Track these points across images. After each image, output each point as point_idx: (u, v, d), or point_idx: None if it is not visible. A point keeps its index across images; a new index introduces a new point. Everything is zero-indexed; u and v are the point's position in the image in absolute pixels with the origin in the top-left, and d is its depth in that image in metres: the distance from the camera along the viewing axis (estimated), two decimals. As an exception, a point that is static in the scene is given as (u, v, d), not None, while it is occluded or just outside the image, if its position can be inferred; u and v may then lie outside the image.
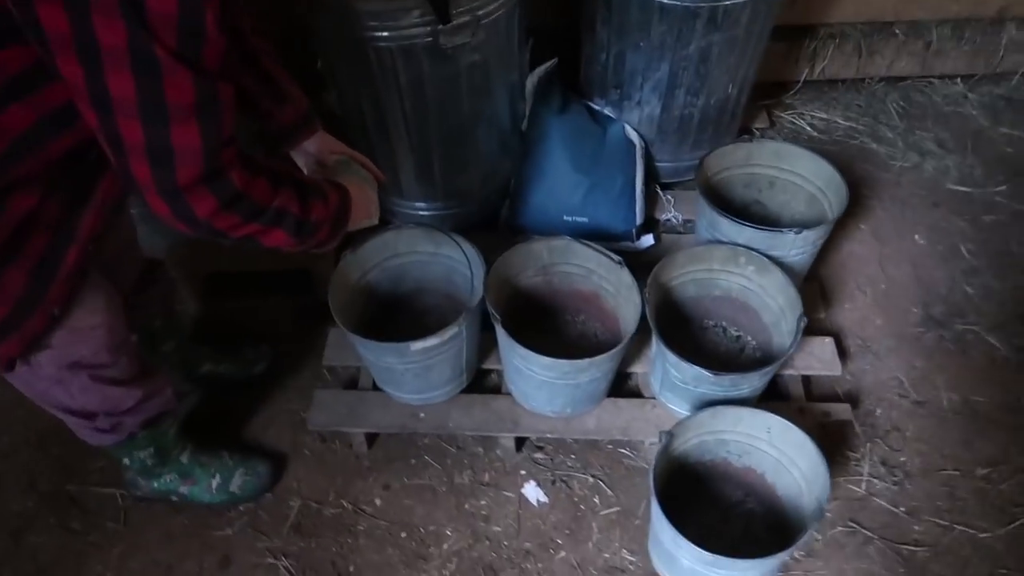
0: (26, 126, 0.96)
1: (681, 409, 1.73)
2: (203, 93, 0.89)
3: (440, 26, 1.63)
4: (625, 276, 1.71)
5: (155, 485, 1.66)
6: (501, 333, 1.61)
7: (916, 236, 2.30)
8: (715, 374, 1.55)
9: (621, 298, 1.77)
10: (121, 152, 0.91)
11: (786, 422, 1.52)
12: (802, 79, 2.69)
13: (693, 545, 1.36)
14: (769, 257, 1.75)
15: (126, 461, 1.60)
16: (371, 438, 1.84)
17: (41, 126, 0.98)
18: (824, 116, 2.67)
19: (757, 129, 2.58)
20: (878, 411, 1.89)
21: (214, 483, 1.69)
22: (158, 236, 1.82)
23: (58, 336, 1.20)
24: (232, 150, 0.98)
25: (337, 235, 1.22)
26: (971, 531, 1.69)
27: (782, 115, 2.66)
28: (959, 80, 2.78)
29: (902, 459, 1.81)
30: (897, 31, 2.61)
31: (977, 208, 2.37)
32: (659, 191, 2.28)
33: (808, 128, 2.63)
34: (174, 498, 1.69)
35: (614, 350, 1.57)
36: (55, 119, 0.98)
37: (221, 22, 0.88)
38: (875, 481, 1.76)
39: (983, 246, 2.26)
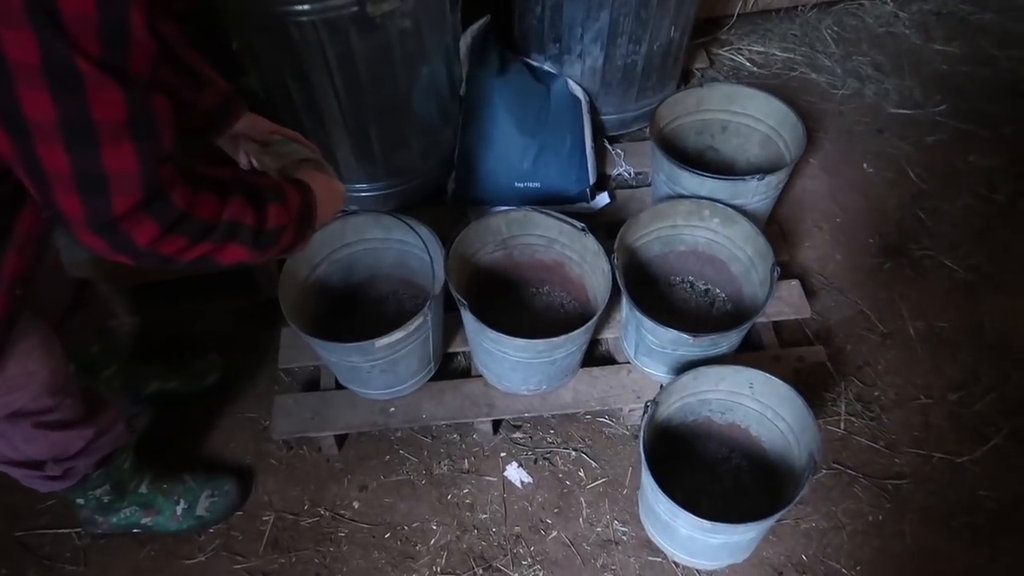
0: None
1: (658, 372, 1.69)
2: (135, 107, 0.77)
3: (365, -7, 1.50)
4: (590, 243, 1.64)
5: (114, 520, 1.55)
6: (469, 318, 1.53)
7: (864, 165, 2.29)
8: (694, 336, 1.50)
9: (587, 265, 1.70)
10: (43, 183, 0.78)
11: (768, 376, 1.49)
12: (736, 13, 2.63)
13: (691, 514, 1.33)
14: (732, 206, 1.70)
15: (80, 501, 1.48)
16: (341, 439, 1.75)
17: None
18: (761, 49, 2.62)
19: (698, 70, 2.52)
20: (848, 347, 1.89)
21: (179, 509, 1.58)
22: (78, 249, 1.65)
23: None
24: (170, 166, 0.85)
25: (305, 237, 1.09)
26: (949, 457, 1.71)
27: (720, 52, 2.60)
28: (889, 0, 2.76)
29: (876, 394, 1.81)
30: (826, -47, 2.56)
31: (920, 130, 2.38)
32: (607, 145, 2.21)
33: (748, 64, 2.57)
34: (137, 531, 1.58)
35: (590, 323, 1.51)
36: None
37: (149, 21, 0.75)
38: (853, 419, 1.77)
39: (929, 168, 2.27)
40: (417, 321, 1.50)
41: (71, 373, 1.25)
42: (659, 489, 1.35)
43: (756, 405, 1.56)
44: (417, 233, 1.63)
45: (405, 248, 1.73)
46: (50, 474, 1.30)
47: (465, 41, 2.02)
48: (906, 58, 2.59)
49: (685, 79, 2.46)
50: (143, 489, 1.54)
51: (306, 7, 1.49)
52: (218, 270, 0.99)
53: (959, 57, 2.60)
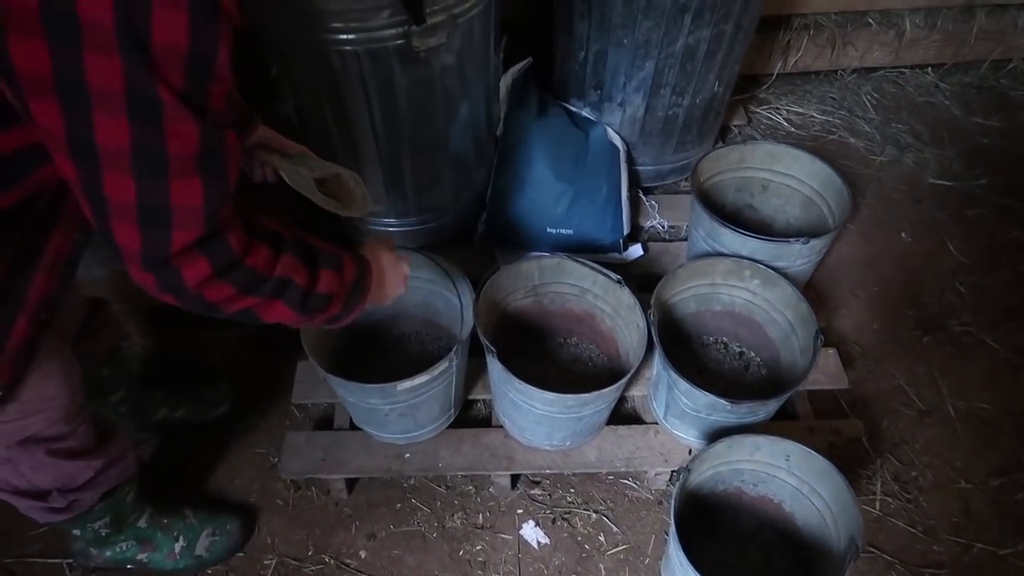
0: None
1: (688, 436, 1.62)
2: (208, 142, 0.74)
3: (413, 27, 1.46)
4: (625, 296, 1.58)
5: (108, 555, 1.46)
6: (496, 366, 1.46)
7: (903, 234, 2.24)
8: (732, 403, 1.43)
9: (620, 319, 1.63)
10: (103, 212, 0.76)
11: (806, 449, 1.42)
12: (776, 72, 2.61)
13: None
14: (773, 268, 1.64)
15: (76, 532, 1.40)
16: (351, 483, 1.67)
17: None
18: (800, 110, 2.59)
19: (735, 126, 2.48)
20: (885, 423, 1.81)
21: (177, 547, 1.49)
22: (95, 265, 1.61)
23: (7, 412, 1.00)
24: (231, 208, 0.82)
25: (352, 311, 1.06)
26: (991, 548, 1.62)
27: (758, 110, 2.57)
28: (930, 70, 2.74)
29: (914, 474, 1.73)
30: (870, 20, 2.55)
31: (960, 202, 2.32)
32: (642, 196, 2.16)
33: (785, 123, 2.54)
34: (131, 567, 1.49)
35: (623, 380, 1.44)
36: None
37: (230, 59, 0.73)
38: (889, 500, 1.68)
39: (969, 242, 2.21)
40: (443, 366, 1.43)
41: (86, 401, 1.18)
42: (689, 564, 1.26)
43: (792, 479, 1.48)
44: (448, 274, 1.57)
45: (432, 288, 1.68)
46: (54, 505, 1.23)
47: (505, 82, 2.00)
48: (946, 129, 2.56)
49: (723, 135, 2.43)
50: (142, 523, 1.46)
51: (351, 36, 1.46)
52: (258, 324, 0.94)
53: (1000, 132, 2.56)
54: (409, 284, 1.68)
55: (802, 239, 1.61)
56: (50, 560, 1.56)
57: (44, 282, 0.95)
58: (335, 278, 0.98)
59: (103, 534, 1.40)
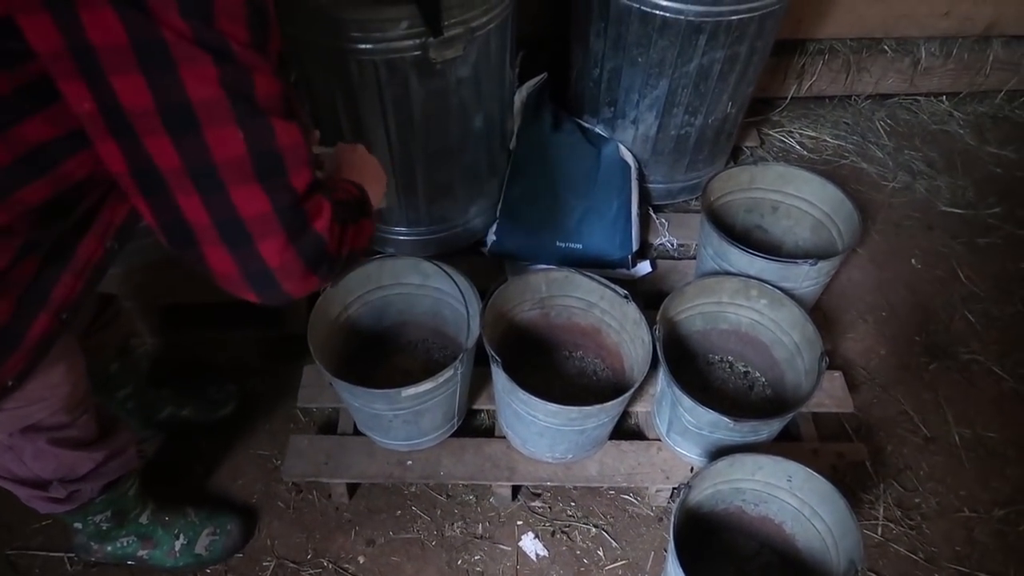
0: None
1: (691, 453, 1.61)
2: (282, 84, 0.76)
3: (430, 39, 1.49)
4: (631, 311, 1.59)
5: (109, 549, 1.47)
6: (501, 376, 1.47)
7: (913, 260, 2.23)
8: (735, 421, 1.43)
9: (626, 334, 1.64)
10: (217, 185, 0.74)
11: (809, 471, 1.41)
12: (790, 95, 2.62)
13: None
14: (780, 289, 1.64)
15: (78, 525, 1.41)
16: (352, 488, 1.67)
17: (13, 169, 0.79)
18: (813, 134, 2.60)
19: (747, 148, 2.49)
20: (889, 448, 1.80)
21: (178, 545, 1.50)
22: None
23: (11, 400, 1.01)
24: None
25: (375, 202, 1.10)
26: (993, 579, 1.61)
27: (770, 133, 2.58)
28: (944, 98, 2.74)
29: (917, 501, 1.72)
30: (886, 47, 2.56)
31: (972, 231, 2.32)
32: (652, 214, 2.17)
33: (797, 147, 2.55)
34: (131, 563, 1.50)
35: (627, 394, 1.45)
36: (29, 162, 0.79)
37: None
38: (891, 525, 1.67)
39: (980, 271, 2.21)
40: (447, 374, 1.44)
41: (90, 391, 1.20)
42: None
43: (793, 500, 1.47)
44: (456, 283, 1.58)
45: (440, 297, 1.69)
46: (54, 495, 1.23)
47: (520, 96, 2.02)
48: (959, 157, 2.56)
49: (735, 156, 2.44)
50: (144, 519, 1.47)
51: (370, 46, 1.49)
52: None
53: (1013, 162, 2.56)
54: (418, 292, 1.70)
55: (810, 260, 1.61)
56: (52, 553, 1.57)
57: (71, 283, 0.95)
58: (353, 189, 1.02)
59: (104, 528, 1.41)
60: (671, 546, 1.29)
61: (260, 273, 0.79)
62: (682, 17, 1.71)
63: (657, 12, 1.73)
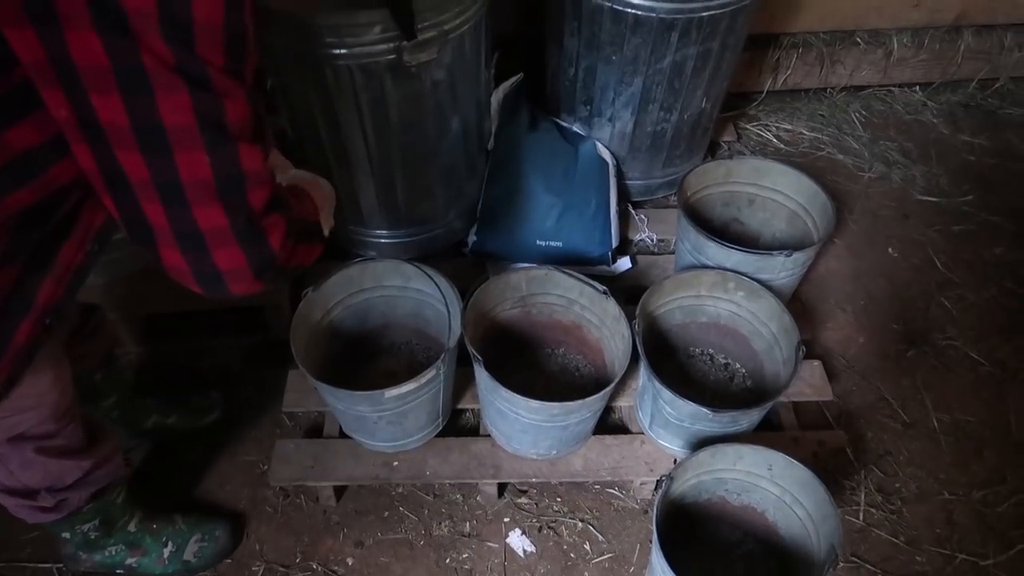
0: None
1: (673, 445, 1.64)
2: (253, 107, 0.79)
3: (404, 42, 1.50)
4: (611, 307, 1.61)
5: (98, 558, 1.48)
6: (483, 375, 1.49)
7: (890, 249, 2.27)
8: (714, 411, 1.45)
9: (606, 329, 1.66)
10: (181, 201, 0.77)
11: (789, 459, 1.43)
12: (765, 89, 2.65)
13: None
14: (757, 281, 1.66)
15: (66, 535, 1.41)
16: (340, 490, 1.68)
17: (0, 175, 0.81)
18: (789, 127, 2.63)
19: (724, 142, 2.52)
20: (869, 435, 1.83)
21: (166, 552, 1.51)
22: (92, 272, 1.63)
23: None
24: None
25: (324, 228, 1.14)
26: (973, 559, 1.63)
27: (748, 127, 2.61)
28: (918, 88, 2.78)
29: (897, 485, 1.74)
30: (859, 39, 2.59)
31: (946, 218, 2.35)
32: (631, 210, 2.19)
33: (775, 140, 2.58)
34: (120, 571, 1.51)
35: (606, 389, 1.46)
36: (15, 169, 0.81)
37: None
38: (872, 511, 1.70)
39: (955, 258, 2.24)
40: (429, 374, 1.45)
41: (76, 400, 1.20)
42: (672, 573, 1.27)
43: (774, 488, 1.49)
44: (436, 284, 1.60)
45: (422, 298, 1.70)
46: (42, 504, 1.24)
47: (497, 97, 2.03)
48: (933, 147, 2.59)
49: (712, 151, 2.46)
50: (132, 527, 1.47)
51: (344, 51, 1.50)
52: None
53: (987, 149, 2.60)
54: (400, 294, 1.72)
55: (784, 252, 1.64)
56: (40, 564, 1.57)
57: (53, 288, 0.96)
58: (309, 203, 1.07)
59: (92, 537, 1.41)
60: (655, 538, 1.31)
61: (210, 274, 0.83)
62: (654, 15, 1.73)
63: (629, 10, 1.74)
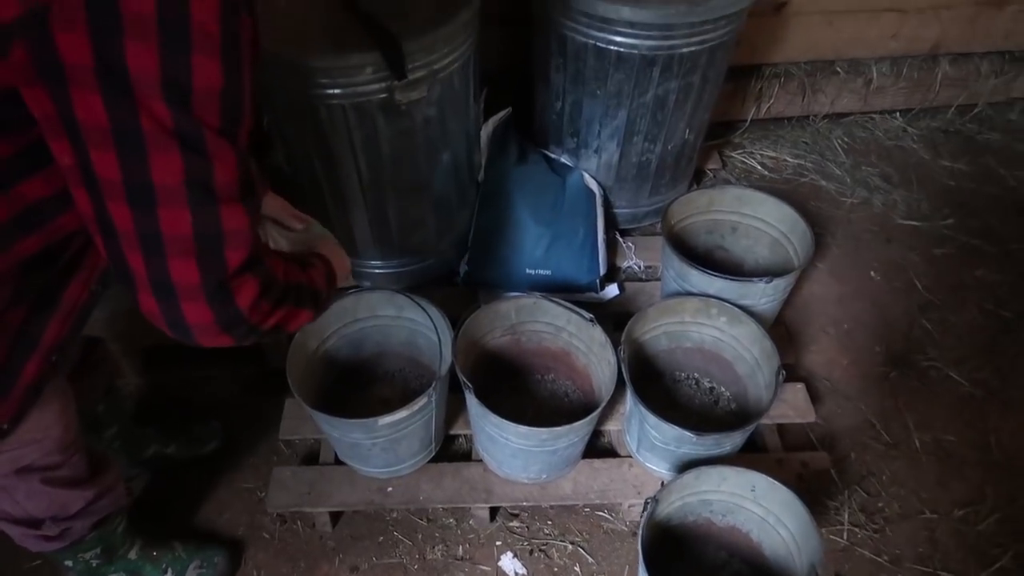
0: None
1: (660, 468, 1.68)
2: (243, 168, 0.82)
3: (395, 82, 1.56)
4: (597, 334, 1.66)
5: (98, 586, 1.51)
6: (473, 401, 1.53)
7: (872, 272, 2.32)
8: (697, 435, 1.50)
9: (593, 356, 1.71)
10: (158, 252, 0.80)
11: (772, 480, 1.48)
12: (749, 118, 2.72)
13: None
14: (740, 307, 1.72)
15: (68, 563, 1.45)
16: (335, 516, 1.72)
17: (11, 225, 0.86)
18: (773, 154, 2.70)
19: (710, 170, 2.58)
20: (852, 456, 1.87)
21: (165, 580, 1.55)
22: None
23: (6, 443, 1.07)
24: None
25: (331, 297, 1.13)
26: (954, 576, 1.67)
27: (732, 155, 2.68)
28: (898, 114, 2.85)
29: (880, 505, 1.78)
30: (839, 69, 2.67)
31: (927, 242, 2.41)
32: (619, 238, 2.25)
33: (759, 167, 2.64)
34: (120, 599, 1.54)
35: (593, 414, 1.51)
36: (26, 218, 0.87)
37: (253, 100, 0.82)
38: (856, 530, 1.74)
39: (937, 280, 2.30)
40: (421, 401, 1.50)
41: (81, 432, 1.25)
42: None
43: (758, 509, 1.53)
44: (428, 314, 1.65)
45: (415, 327, 1.75)
46: (47, 533, 1.28)
47: (486, 130, 2.10)
48: (914, 172, 2.66)
49: (698, 179, 2.53)
50: (132, 555, 1.51)
51: (338, 91, 1.56)
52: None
53: (966, 174, 2.66)
54: (394, 324, 1.77)
55: (765, 279, 1.69)
56: (42, 593, 1.61)
57: (59, 327, 1.01)
58: (319, 272, 1.07)
59: (94, 565, 1.45)
60: (640, 559, 1.35)
61: (179, 323, 0.86)
62: (636, 51, 1.80)
63: (612, 47, 1.81)
